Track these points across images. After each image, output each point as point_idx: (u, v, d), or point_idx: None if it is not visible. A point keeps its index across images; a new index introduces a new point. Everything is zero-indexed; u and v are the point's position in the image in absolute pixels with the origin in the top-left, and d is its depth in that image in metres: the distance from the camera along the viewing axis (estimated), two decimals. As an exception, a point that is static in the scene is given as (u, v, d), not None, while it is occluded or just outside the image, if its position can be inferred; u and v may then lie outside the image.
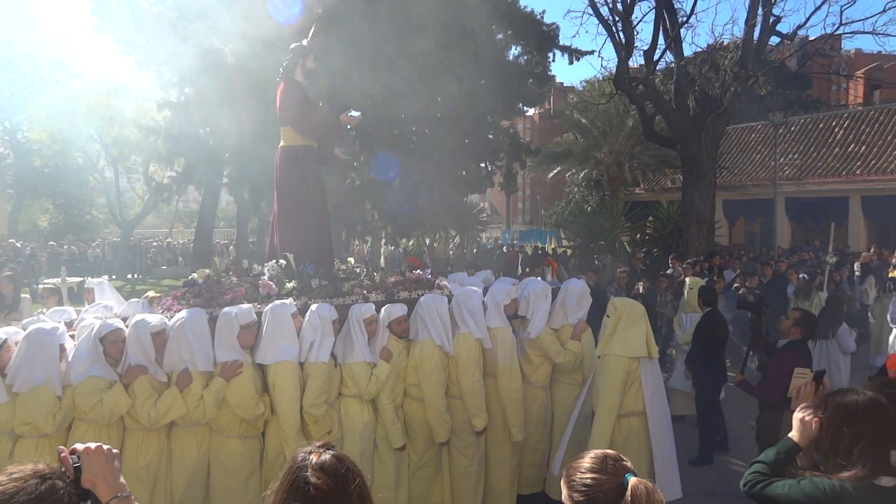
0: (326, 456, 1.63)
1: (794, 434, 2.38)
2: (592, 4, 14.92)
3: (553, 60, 15.70)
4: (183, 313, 4.01)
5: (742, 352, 6.18)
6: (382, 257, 22.83)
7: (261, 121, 11.16)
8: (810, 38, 15.78)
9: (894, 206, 19.37)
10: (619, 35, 15.02)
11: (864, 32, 14.15)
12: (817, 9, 15.62)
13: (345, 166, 13.23)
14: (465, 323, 4.53)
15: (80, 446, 1.57)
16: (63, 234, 33.55)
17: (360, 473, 1.65)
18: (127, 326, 3.96)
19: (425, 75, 11.70)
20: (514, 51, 15.62)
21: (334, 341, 4.23)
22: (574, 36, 42.38)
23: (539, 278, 6.79)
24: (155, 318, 3.96)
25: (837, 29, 14.06)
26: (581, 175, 30.62)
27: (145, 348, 3.82)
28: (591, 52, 15.25)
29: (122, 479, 1.61)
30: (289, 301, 4.23)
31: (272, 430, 4.12)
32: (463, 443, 4.58)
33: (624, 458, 1.74)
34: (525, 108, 18.08)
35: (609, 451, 1.76)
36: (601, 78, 24.76)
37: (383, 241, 20.77)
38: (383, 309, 4.48)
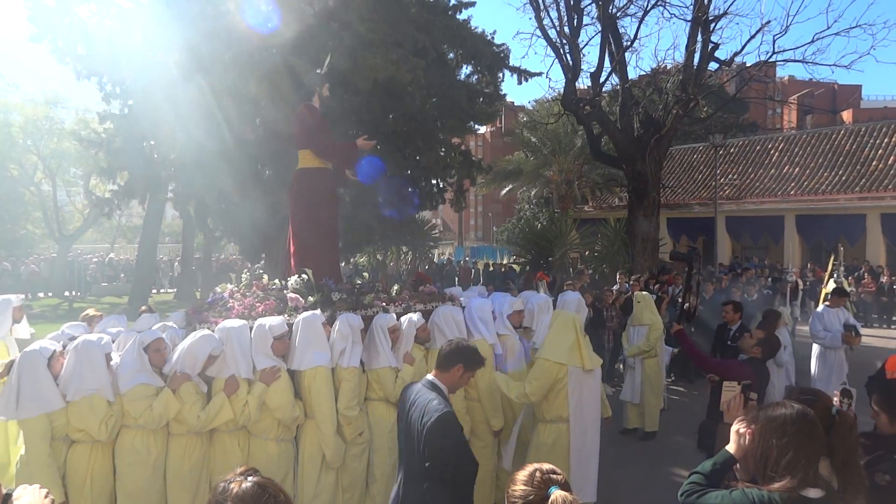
0: (247, 484, 1.60)
1: (730, 446, 2.45)
2: (541, 27, 15.30)
3: (503, 80, 15.99)
4: (231, 323, 4.32)
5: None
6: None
7: (207, 135, 10.95)
8: (747, 65, 16.56)
9: (826, 225, 20.42)
10: (566, 57, 15.43)
11: (795, 61, 14.99)
12: (752, 37, 16.45)
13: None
14: (479, 331, 4.96)
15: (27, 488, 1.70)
16: (-5, 250, 31.95)
17: (284, 499, 1.63)
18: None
19: (376, 92, 11.73)
20: (466, 70, 15.85)
21: (362, 348, 4.57)
22: (523, 57, 43.49)
23: (539, 292, 7.16)
24: (215, 341, 4.18)
25: (771, 57, 14.83)
26: (532, 193, 31.15)
27: (199, 362, 4.10)
28: (540, 74, 15.63)
29: None
30: (318, 312, 4.57)
31: (305, 433, 4.38)
32: (483, 443, 4.86)
33: (556, 471, 1.82)
34: (476, 126, 18.30)
35: (542, 465, 1.86)
36: (550, 98, 25.35)
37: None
38: (405, 318, 4.82)
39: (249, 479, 1.61)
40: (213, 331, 4.31)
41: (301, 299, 4.88)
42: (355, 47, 11.12)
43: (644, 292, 8.68)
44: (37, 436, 3.79)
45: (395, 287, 5.52)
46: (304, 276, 5.16)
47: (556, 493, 1.74)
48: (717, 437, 2.98)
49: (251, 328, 4.38)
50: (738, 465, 2.45)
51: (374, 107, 12.53)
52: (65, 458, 3.89)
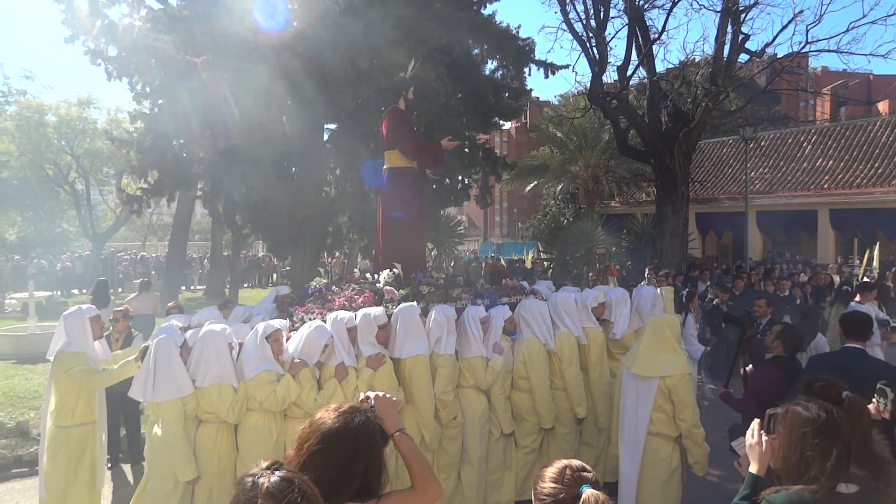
0: (275, 479, 1.59)
1: (752, 467, 2.37)
2: (567, 21, 15.15)
3: (529, 75, 15.83)
4: (340, 315, 4.65)
5: (726, 364, 6.23)
6: (358, 271, 22.59)
7: (235, 133, 11.07)
8: (778, 56, 16.17)
9: (861, 219, 19.87)
10: (592, 51, 15.25)
11: (829, 51, 14.60)
12: (784, 27, 16.08)
13: (322, 182, 13.18)
14: (564, 323, 5.22)
15: (371, 394, 2.11)
16: (32, 248, 32.79)
17: (310, 493, 1.61)
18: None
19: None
20: (491, 65, 15.74)
21: (456, 337, 4.85)
22: (549, 51, 43.12)
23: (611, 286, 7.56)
24: (328, 332, 4.53)
25: (804, 47, 14.46)
26: (558, 188, 30.90)
27: (316, 351, 4.44)
28: (566, 67, 15.41)
29: (399, 419, 2.12)
30: (414, 304, 4.91)
31: (404, 417, 4.61)
32: (566, 430, 5.21)
33: (587, 468, 1.75)
34: (501, 122, 18.18)
35: (573, 462, 1.78)
36: (576, 92, 25.10)
37: (360, 255, 20.67)
38: (493, 311, 5.09)
39: (276, 473, 1.61)
40: (323, 320, 4.70)
41: (395, 291, 5.26)
42: (379, 44, 11.12)
43: (669, 287, 8.61)
44: (172, 417, 4.19)
45: (480, 281, 5.95)
46: (394, 270, 5.52)
47: (588, 492, 1.66)
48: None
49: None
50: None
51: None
52: (194, 436, 4.31)
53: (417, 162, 5.94)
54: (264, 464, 1.66)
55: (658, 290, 5.89)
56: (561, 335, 5.15)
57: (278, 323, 4.62)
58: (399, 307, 4.82)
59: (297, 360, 4.38)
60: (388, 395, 2.12)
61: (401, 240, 5.91)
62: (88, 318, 4.71)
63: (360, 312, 4.70)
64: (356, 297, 5.18)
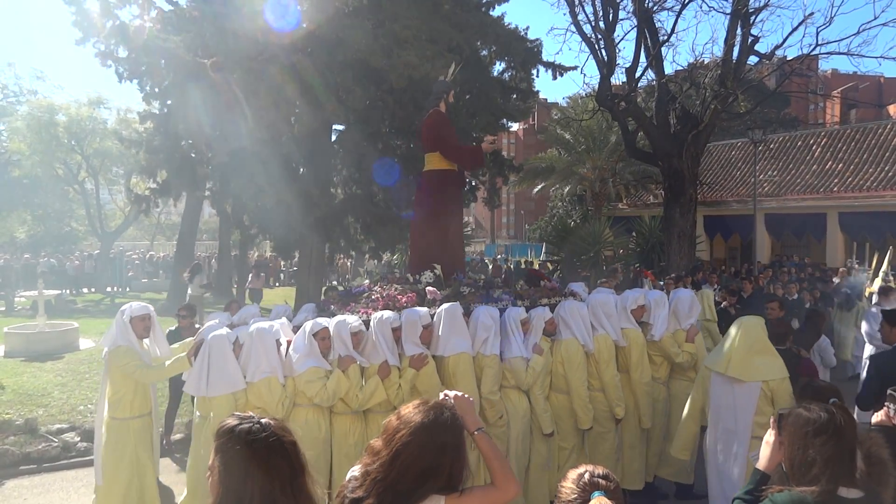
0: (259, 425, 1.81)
1: (760, 463, 2.44)
2: (576, 22, 15.12)
3: (537, 76, 15.82)
4: (385, 314, 4.74)
5: None
6: (365, 272, 22.63)
7: (243, 134, 11.11)
8: (788, 58, 16.08)
9: (870, 223, 19.72)
10: (601, 52, 15.21)
11: (839, 53, 14.50)
12: (794, 30, 16.00)
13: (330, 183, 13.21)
14: (602, 325, 5.26)
15: (451, 393, 2.18)
16: (42, 247, 33.01)
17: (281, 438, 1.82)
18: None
19: (411, 90, 11.73)
20: (499, 66, 15.71)
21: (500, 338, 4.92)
22: (557, 53, 43.14)
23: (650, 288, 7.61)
24: (353, 319, 4.70)
25: (814, 49, 14.36)
26: (565, 190, 30.86)
27: (344, 342, 4.55)
28: (574, 69, 15.38)
29: (479, 418, 2.20)
30: (457, 303, 4.98)
31: None
32: (605, 429, 5.25)
33: (609, 477, 1.79)
34: (509, 124, 18.15)
35: (596, 469, 1.84)
36: (584, 94, 25.06)
37: (367, 255, 20.71)
38: (533, 312, 5.18)
39: (261, 421, 1.80)
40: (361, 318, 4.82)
41: (437, 292, 5.35)
42: (390, 46, 11.14)
43: (709, 290, 8.80)
44: (224, 412, 4.17)
45: (520, 283, 6.03)
46: (435, 271, 5.64)
47: (596, 501, 1.69)
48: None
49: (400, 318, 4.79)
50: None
51: (407, 104, 12.53)
52: None
53: (458, 164, 6.02)
54: (240, 413, 1.87)
55: (691, 293, 5.96)
56: (598, 337, 5.21)
57: (325, 322, 4.70)
58: (442, 306, 4.90)
59: (345, 356, 4.51)
60: (465, 395, 2.19)
61: (444, 241, 5.96)
62: (130, 319, 4.80)
63: (406, 312, 4.80)
64: (399, 296, 5.29)
